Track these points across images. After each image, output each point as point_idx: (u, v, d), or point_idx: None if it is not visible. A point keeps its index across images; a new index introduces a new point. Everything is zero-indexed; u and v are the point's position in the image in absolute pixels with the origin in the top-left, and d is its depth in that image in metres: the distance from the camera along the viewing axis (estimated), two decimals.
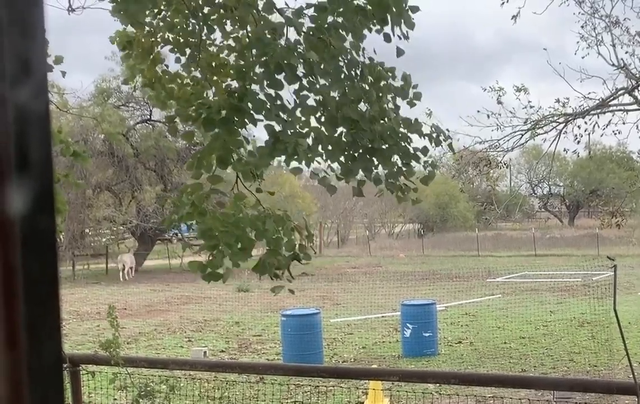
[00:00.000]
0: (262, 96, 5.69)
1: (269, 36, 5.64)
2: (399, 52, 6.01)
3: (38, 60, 0.65)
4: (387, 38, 5.88)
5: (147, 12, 6.36)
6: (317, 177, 6.20)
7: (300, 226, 6.16)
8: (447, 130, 6.32)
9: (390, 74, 6.00)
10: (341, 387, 12.38)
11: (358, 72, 5.83)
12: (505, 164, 19.72)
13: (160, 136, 39.61)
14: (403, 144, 5.98)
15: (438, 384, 10.25)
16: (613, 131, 17.28)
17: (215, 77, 6.40)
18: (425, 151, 6.17)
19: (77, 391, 7.32)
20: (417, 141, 6.19)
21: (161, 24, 6.44)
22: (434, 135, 6.18)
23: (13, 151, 0.64)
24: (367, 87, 5.86)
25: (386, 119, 5.94)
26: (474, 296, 26.38)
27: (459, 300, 25.14)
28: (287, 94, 5.77)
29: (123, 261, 38.04)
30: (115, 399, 10.82)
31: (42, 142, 0.64)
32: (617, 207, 25.91)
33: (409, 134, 6.04)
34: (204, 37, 6.36)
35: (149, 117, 40.60)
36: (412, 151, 6.08)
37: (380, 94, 5.94)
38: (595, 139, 40.43)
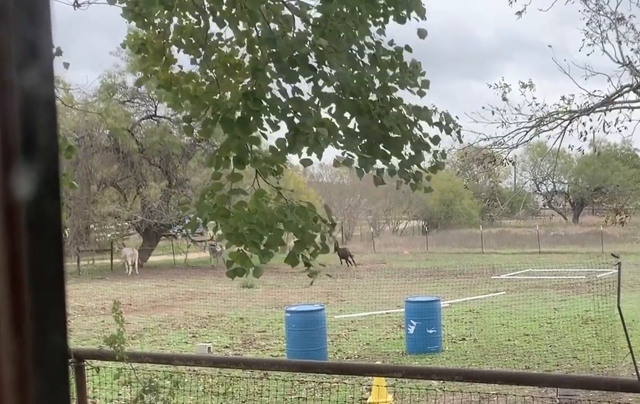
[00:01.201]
0: (276, 92, 5.71)
1: (277, 29, 5.66)
2: (421, 34, 6.01)
3: (44, 45, 0.65)
4: (402, 20, 5.89)
5: (157, 14, 6.38)
6: (340, 165, 6.19)
7: (322, 216, 6.18)
8: (457, 117, 6.30)
9: (399, 61, 5.98)
10: (345, 383, 12.40)
11: (366, 57, 5.84)
12: (510, 160, 19.68)
13: (165, 131, 39.66)
14: (414, 131, 5.97)
15: (442, 381, 10.22)
16: (618, 128, 17.23)
17: (230, 78, 6.42)
18: (436, 140, 6.16)
19: (82, 386, 7.33)
20: (426, 131, 6.19)
21: (172, 24, 6.46)
22: (444, 123, 6.15)
23: (19, 136, 0.63)
24: (378, 71, 5.85)
25: (400, 106, 5.94)
26: (478, 293, 26.36)
27: (463, 297, 25.13)
28: (304, 87, 5.80)
29: (130, 253, 38.08)
30: (119, 394, 10.83)
31: (48, 128, 0.64)
32: (621, 205, 25.83)
33: (418, 122, 6.03)
34: (215, 37, 6.38)
35: (154, 113, 40.64)
36: (422, 139, 6.07)
37: (390, 83, 5.93)
38: (600, 136, 40.47)
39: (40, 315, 0.66)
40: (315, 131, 5.55)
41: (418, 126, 6.06)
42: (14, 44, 0.63)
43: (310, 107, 5.76)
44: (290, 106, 5.69)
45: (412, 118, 6.00)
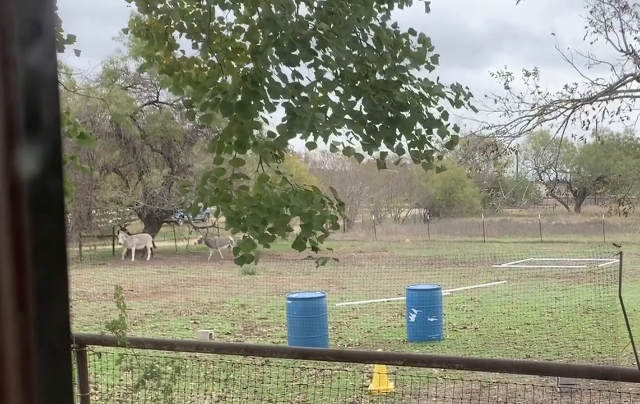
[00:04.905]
0: (276, 77, 5.70)
1: (279, 13, 5.64)
2: (426, 8, 6.00)
3: (47, 22, 0.65)
4: (405, 3, 5.88)
5: None
6: (337, 150, 6.19)
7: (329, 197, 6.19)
8: (467, 88, 6.16)
9: (405, 40, 5.95)
10: (346, 371, 12.41)
11: (371, 38, 5.81)
12: (513, 149, 19.64)
13: (167, 118, 39.64)
14: (424, 107, 5.92)
15: (442, 369, 10.25)
16: (621, 118, 17.20)
17: (231, 62, 6.40)
18: (445, 115, 6.08)
19: (84, 371, 7.34)
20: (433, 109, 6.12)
21: (172, 7, 6.44)
22: (453, 96, 6.06)
23: (22, 114, 0.64)
24: (384, 51, 5.82)
25: (408, 84, 5.90)
26: (480, 281, 26.37)
27: (465, 286, 25.14)
28: (305, 71, 5.78)
29: (145, 239, 38.19)
30: (121, 380, 10.86)
31: (51, 105, 0.64)
32: (624, 195, 25.77)
33: (430, 98, 5.98)
34: (216, 21, 6.36)
35: (156, 98, 40.61)
36: (432, 117, 6.01)
37: (398, 56, 5.89)
38: (603, 125, 40.38)
39: (43, 292, 0.66)
40: (312, 115, 5.54)
41: (431, 102, 5.98)
42: (17, 22, 0.63)
43: (308, 93, 5.75)
44: (288, 90, 5.69)
45: (424, 93, 5.93)
